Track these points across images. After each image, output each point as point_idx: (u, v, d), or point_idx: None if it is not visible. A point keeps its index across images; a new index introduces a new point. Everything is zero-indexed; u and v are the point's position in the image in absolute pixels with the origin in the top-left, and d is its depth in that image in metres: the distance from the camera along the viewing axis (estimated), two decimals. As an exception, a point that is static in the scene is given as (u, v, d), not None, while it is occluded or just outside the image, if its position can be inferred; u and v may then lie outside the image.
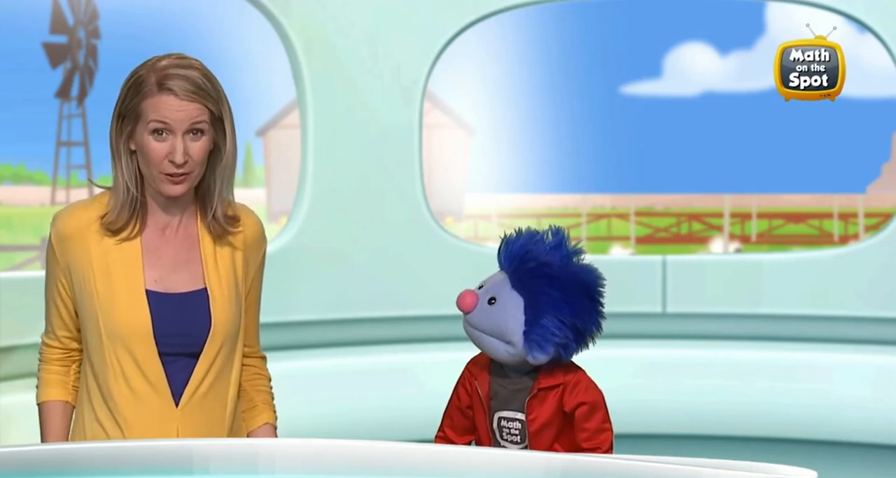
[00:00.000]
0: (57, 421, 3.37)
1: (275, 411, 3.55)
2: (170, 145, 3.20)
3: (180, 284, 3.29)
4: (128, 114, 3.25)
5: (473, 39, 8.43)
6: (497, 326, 3.20)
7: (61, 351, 3.37)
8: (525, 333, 3.19)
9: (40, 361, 3.40)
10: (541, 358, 3.19)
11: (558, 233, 3.25)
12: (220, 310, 3.29)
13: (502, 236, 3.28)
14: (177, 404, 3.28)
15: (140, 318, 3.23)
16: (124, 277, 3.24)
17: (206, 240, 3.33)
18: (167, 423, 3.27)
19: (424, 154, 7.86)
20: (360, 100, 7.74)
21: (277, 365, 7.71)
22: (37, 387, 3.40)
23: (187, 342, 3.27)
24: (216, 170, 3.30)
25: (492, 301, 3.22)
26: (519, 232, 3.27)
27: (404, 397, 7.57)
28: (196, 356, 3.28)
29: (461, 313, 3.27)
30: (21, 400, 6.86)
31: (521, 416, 3.24)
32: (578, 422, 3.22)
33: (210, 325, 3.27)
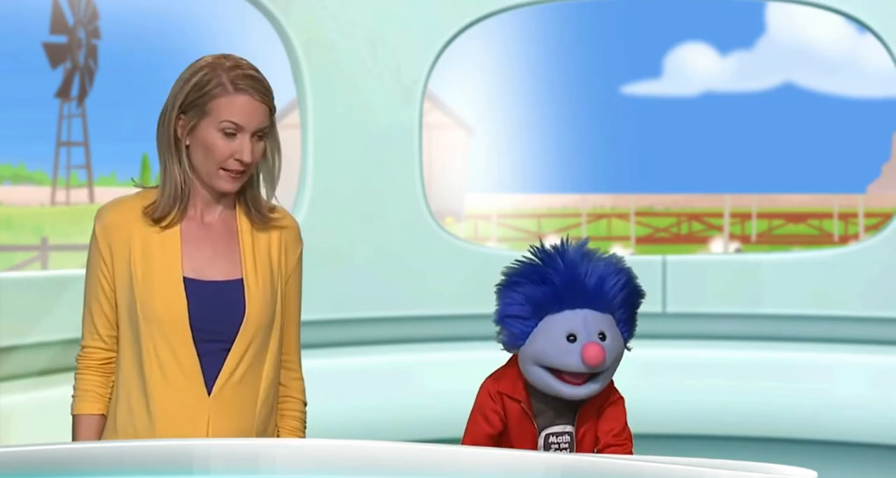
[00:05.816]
0: (91, 437, 3.37)
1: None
2: (238, 144, 3.26)
3: (217, 273, 3.32)
4: (190, 110, 3.27)
5: (473, 39, 8.43)
6: (615, 362, 3.26)
7: (104, 354, 3.34)
8: None
9: (78, 369, 3.36)
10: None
11: (622, 261, 3.31)
12: (255, 300, 3.31)
13: (586, 272, 3.25)
14: (209, 393, 3.30)
15: (177, 304, 3.26)
16: (163, 264, 3.28)
17: (245, 232, 3.36)
18: (199, 412, 3.29)
19: (424, 154, 7.86)
20: (360, 100, 7.74)
21: (277, 365, 7.74)
22: (73, 396, 3.37)
23: (221, 330, 3.29)
24: (262, 170, 3.36)
25: (602, 336, 3.24)
26: (616, 264, 3.30)
27: (404, 397, 7.57)
28: (229, 346, 3.30)
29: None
30: (21, 400, 6.86)
31: (570, 428, 3.25)
32: (609, 412, 3.27)
33: (244, 314, 3.30)
